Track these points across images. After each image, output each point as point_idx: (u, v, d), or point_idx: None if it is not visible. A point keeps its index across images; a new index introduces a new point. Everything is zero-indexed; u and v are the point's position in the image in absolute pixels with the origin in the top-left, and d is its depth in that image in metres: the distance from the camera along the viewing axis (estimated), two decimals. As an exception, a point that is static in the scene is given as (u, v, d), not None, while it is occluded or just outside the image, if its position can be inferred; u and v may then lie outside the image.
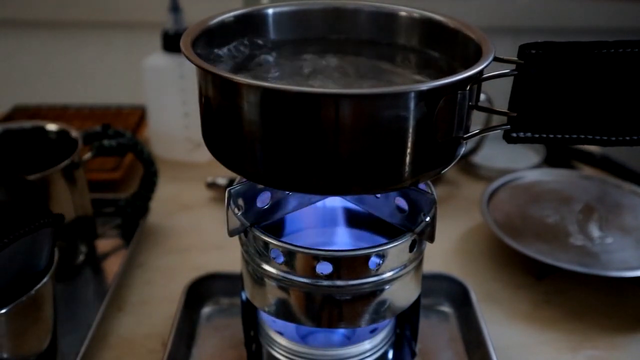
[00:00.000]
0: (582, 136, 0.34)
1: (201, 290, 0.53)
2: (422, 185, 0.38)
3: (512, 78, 0.34)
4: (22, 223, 0.37)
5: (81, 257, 0.57)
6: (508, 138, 0.35)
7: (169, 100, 0.74)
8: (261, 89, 0.31)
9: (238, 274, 0.45)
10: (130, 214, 0.62)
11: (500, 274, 0.59)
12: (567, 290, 0.57)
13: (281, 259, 0.37)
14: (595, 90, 0.33)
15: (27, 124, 0.58)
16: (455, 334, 0.51)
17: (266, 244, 0.38)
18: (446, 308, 0.53)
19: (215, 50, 0.39)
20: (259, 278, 0.39)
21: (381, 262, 0.37)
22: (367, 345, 0.43)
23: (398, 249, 0.38)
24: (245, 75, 0.37)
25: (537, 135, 0.34)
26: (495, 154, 0.76)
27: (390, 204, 0.40)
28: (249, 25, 0.41)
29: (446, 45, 0.40)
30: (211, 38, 0.38)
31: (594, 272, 0.53)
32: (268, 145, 0.32)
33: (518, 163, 0.76)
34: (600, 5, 0.98)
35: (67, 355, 0.47)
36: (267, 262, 0.38)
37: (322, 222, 0.45)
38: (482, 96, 0.36)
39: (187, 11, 0.72)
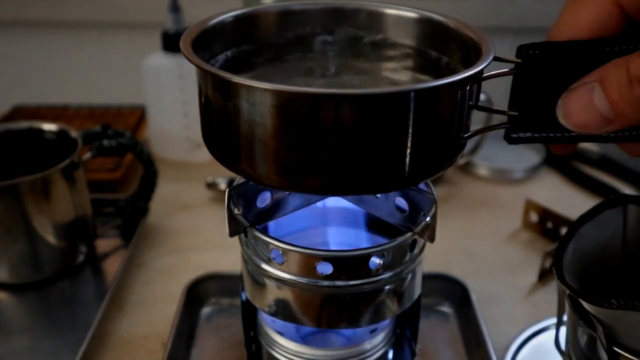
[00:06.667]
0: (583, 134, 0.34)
1: (201, 290, 0.53)
2: (422, 185, 0.38)
3: (511, 78, 0.33)
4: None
5: (81, 257, 0.57)
6: (509, 138, 0.34)
7: (169, 100, 0.74)
8: (261, 89, 0.31)
9: (238, 274, 0.45)
10: (130, 214, 0.62)
11: (500, 274, 0.59)
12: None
13: (281, 259, 0.37)
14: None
15: (27, 124, 0.58)
16: (455, 334, 0.51)
17: (266, 244, 0.38)
18: (446, 308, 0.53)
19: (215, 50, 0.39)
20: (259, 278, 0.39)
21: (381, 262, 0.37)
22: (367, 345, 0.43)
23: (398, 249, 0.38)
24: (245, 76, 0.37)
25: (537, 135, 0.34)
26: (495, 154, 0.76)
27: (390, 204, 0.40)
28: (249, 25, 0.41)
29: (446, 45, 0.40)
30: (211, 38, 0.38)
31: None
32: (268, 146, 0.32)
33: (518, 163, 0.76)
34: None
35: (67, 355, 0.47)
36: (267, 263, 0.38)
37: (322, 222, 0.45)
38: (482, 96, 0.36)
39: (187, 11, 0.72)
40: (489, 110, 0.35)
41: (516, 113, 0.34)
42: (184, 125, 0.75)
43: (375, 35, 0.42)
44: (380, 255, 0.37)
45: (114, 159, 0.70)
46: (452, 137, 0.34)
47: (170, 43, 0.72)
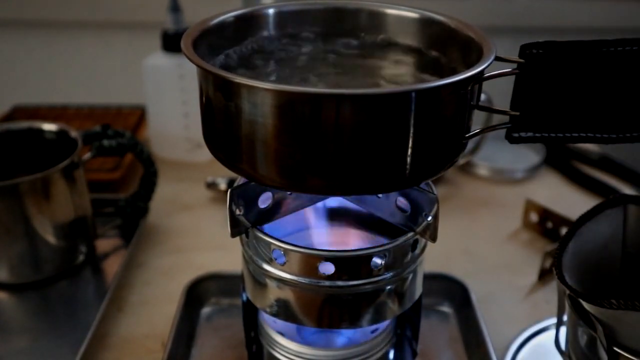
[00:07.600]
0: (584, 134, 0.34)
1: (201, 290, 0.53)
2: (423, 185, 0.38)
3: (511, 78, 0.33)
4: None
5: (81, 257, 0.57)
6: (510, 138, 0.34)
7: (169, 100, 0.74)
8: (262, 89, 0.31)
9: (238, 274, 0.45)
10: (130, 214, 0.62)
11: (500, 273, 0.59)
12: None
13: (283, 260, 0.37)
14: (597, 88, 0.33)
15: (27, 124, 0.58)
16: (455, 334, 0.51)
17: (268, 244, 0.38)
18: (446, 308, 0.53)
19: (216, 50, 0.39)
20: (260, 278, 0.39)
21: (383, 262, 0.37)
22: (368, 345, 0.43)
23: (400, 249, 0.38)
24: (246, 76, 0.37)
25: (539, 135, 0.34)
26: (495, 154, 0.76)
27: (391, 203, 0.40)
28: (250, 25, 0.41)
29: (447, 45, 0.40)
30: (212, 38, 0.38)
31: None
32: (269, 146, 0.32)
33: (518, 163, 0.76)
34: (601, 5, 0.98)
35: (67, 355, 0.47)
36: (269, 263, 0.38)
37: (323, 223, 0.45)
38: (482, 96, 0.36)
39: (187, 11, 0.72)
40: (490, 110, 0.35)
41: (518, 113, 0.34)
42: (184, 125, 0.75)
43: (376, 35, 0.42)
44: (381, 255, 0.37)
45: (114, 159, 0.70)
46: (454, 137, 0.34)
47: (170, 43, 0.72)
